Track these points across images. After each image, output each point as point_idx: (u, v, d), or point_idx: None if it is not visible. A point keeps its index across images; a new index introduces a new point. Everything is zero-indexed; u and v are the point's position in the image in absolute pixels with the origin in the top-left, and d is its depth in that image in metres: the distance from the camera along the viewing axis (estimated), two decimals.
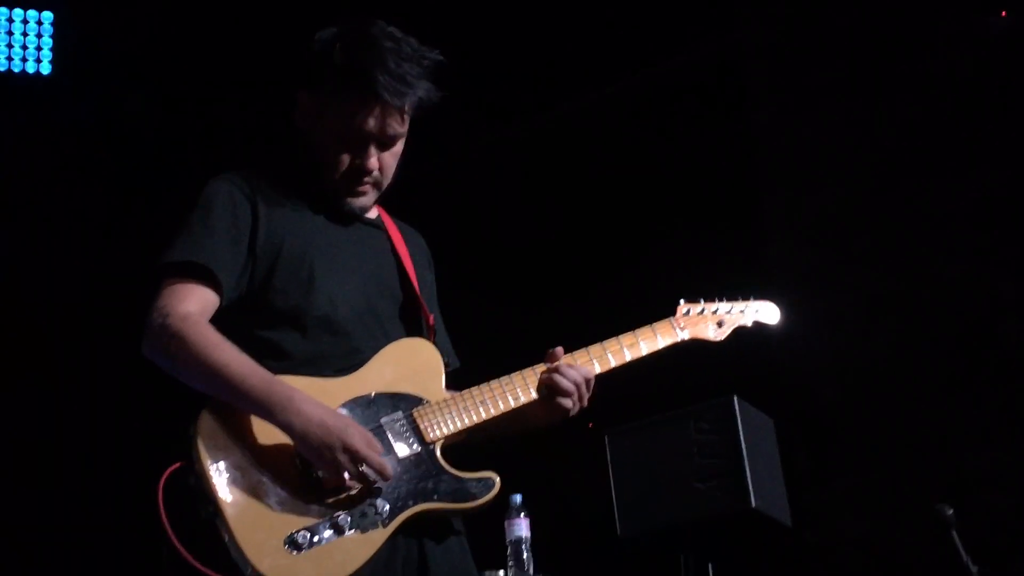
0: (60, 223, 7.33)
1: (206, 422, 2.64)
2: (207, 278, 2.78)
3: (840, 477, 6.38)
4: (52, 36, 6.83)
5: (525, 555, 4.64)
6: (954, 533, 4.11)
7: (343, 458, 2.60)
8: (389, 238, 3.08)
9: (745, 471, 4.62)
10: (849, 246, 6.62)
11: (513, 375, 2.91)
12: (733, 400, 4.73)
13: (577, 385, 2.90)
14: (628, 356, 3.02)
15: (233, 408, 2.66)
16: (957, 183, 6.36)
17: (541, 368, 2.93)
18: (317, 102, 2.94)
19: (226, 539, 2.54)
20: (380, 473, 2.62)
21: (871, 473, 6.33)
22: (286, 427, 2.61)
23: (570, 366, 2.92)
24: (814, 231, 6.75)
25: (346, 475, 2.60)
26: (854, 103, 6.74)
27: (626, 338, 3.03)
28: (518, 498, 4.52)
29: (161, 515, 2.54)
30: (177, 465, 2.61)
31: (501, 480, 2.80)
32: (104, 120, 7.27)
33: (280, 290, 2.83)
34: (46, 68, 6.82)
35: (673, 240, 6.97)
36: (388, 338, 2.89)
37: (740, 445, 4.66)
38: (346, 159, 2.93)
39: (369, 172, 2.95)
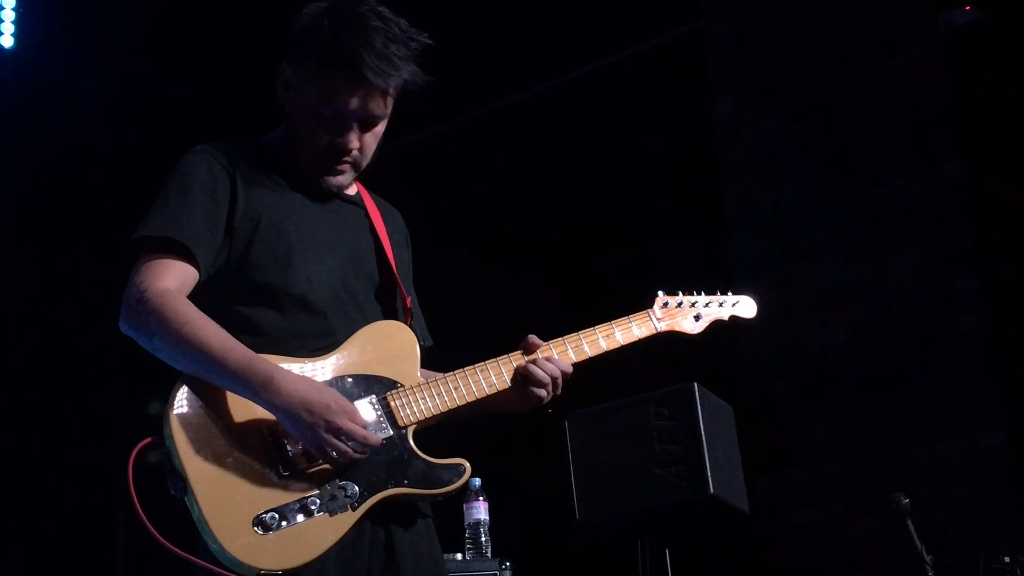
0: (22, 196, 7.27)
1: (179, 397, 2.61)
2: (184, 254, 2.73)
3: (796, 465, 6.42)
4: (14, 9, 6.76)
5: (483, 538, 4.66)
6: (909, 522, 4.14)
7: (327, 436, 2.57)
8: (368, 216, 3.02)
9: (704, 458, 4.62)
10: (807, 238, 6.67)
11: (488, 362, 2.87)
12: (693, 387, 4.72)
13: (553, 378, 2.88)
14: (604, 346, 2.99)
15: (207, 385, 2.63)
16: (914, 176, 6.43)
17: (517, 356, 2.90)
18: (299, 77, 2.89)
19: (196, 517, 2.52)
20: (365, 443, 2.60)
21: (827, 462, 6.38)
22: (268, 405, 2.59)
23: (548, 359, 2.89)
24: (772, 222, 6.79)
25: (331, 452, 2.58)
26: (813, 96, 6.77)
27: (603, 328, 3.00)
28: (477, 481, 4.52)
29: (130, 490, 2.53)
30: (148, 440, 2.59)
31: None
32: (65, 95, 7.21)
33: (257, 266, 2.79)
34: (8, 42, 6.76)
35: (636, 228, 6.99)
36: (364, 319, 2.85)
37: (700, 432, 4.65)
38: (325, 137, 2.88)
39: (348, 151, 2.89)
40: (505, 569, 4.58)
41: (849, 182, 6.61)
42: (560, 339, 2.95)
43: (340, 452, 2.58)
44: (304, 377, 2.64)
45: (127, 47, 7.28)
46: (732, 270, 6.84)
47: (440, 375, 2.86)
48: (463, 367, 2.88)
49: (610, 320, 3.05)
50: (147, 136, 7.65)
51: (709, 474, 4.60)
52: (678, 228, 7.03)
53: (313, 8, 2.90)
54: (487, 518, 4.60)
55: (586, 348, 2.95)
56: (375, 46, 2.80)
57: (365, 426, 2.65)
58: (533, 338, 2.93)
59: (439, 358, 3.01)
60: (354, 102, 2.84)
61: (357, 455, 2.60)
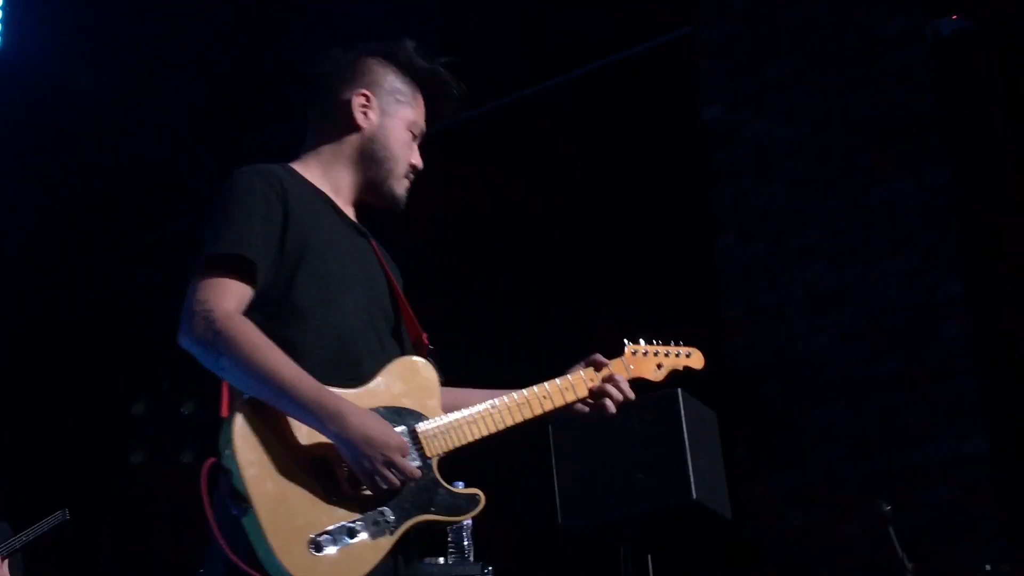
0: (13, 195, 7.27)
1: (241, 419, 2.70)
2: (247, 273, 2.81)
3: (782, 469, 6.42)
4: (2, 8, 6.75)
5: (466, 543, 4.69)
6: (891, 529, 4.15)
7: (382, 468, 2.71)
8: (373, 249, 3.15)
9: (687, 463, 4.65)
10: (796, 240, 6.68)
11: (507, 396, 3.03)
12: (677, 393, 4.74)
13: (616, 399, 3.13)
14: (583, 392, 3.16)
15: (265, 408, 2.73)
16: (903, 181, 6.44)
17: (536, 391, 3.06)
18: (386, 100, 3.13)
19: (252, 536, 2.63)
20: (410, 477, 2.75)
21: (813, 466, 6.38)
22: (333, 435, 2.71)
23: (615, 381, 3.12)
24: (762, 225, 6.80)
25: (381, 483, 2.72)
26: (804, 99, 6.78)
27: (587, 373, 3.16)
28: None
29: (207, 506, 2.64)
30: (212, 460, 2.68)
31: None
32: (54, 95, 7.21)
33: (302, 292, 2.88)
34: None
35: (624, 233, 7.00)
36: (384, 352, 2.96)
37: (683, 437, 4.68)
38: (409, 153, 3.14)
39: (418, 168, 3.17)
40: (487, 573, 4.61)
41: (839, 185, 6.62)
42: (554, 381, 3.11)
43: (389, 483, 2.72)
44: (366, 411, 2.77)
45: (117, 45, 7.26)
46: (721, 272, 6.84)
47: (461, 411, 2.96)
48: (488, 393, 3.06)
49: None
50: (138, 134, 7.65)
51: (692, 480, 4.63)
52: (667, 230, 7.04)
53: (371, 46, 3.19)
54: (470, 522, 4.62)
55: (575, 392, 3.13)
56: (453, 79, 3.19)
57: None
58: (599, 357, 3.17)
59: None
60: (422, 122, 3.19)
61: (400, 487, 2.75)
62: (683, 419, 4.70)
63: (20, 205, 7.43)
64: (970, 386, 6.12)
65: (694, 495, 4.63)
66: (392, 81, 3.14)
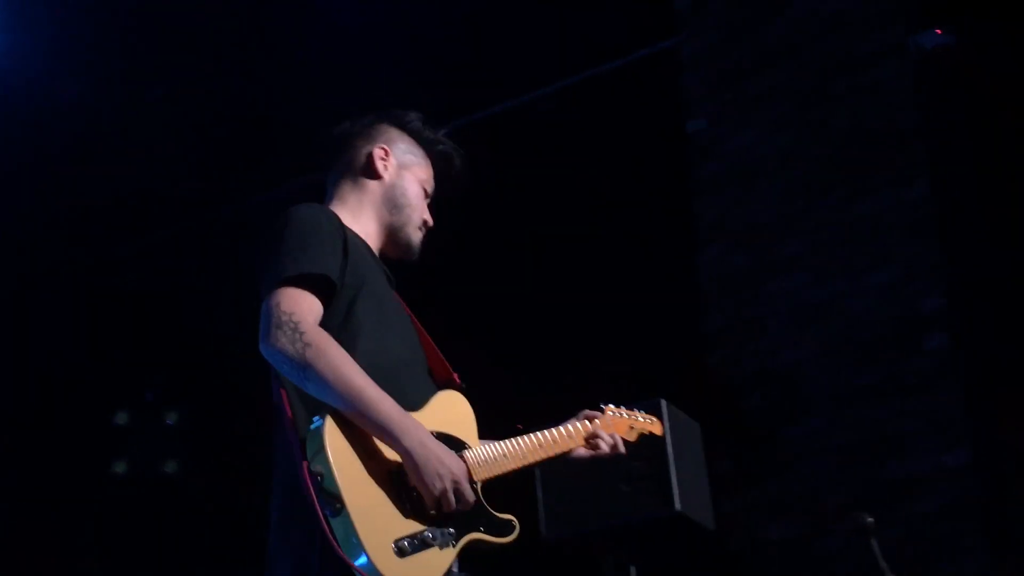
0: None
1: (331, 427, 2.91)
2: (325, 292, 3.04)
3: (765, 482, 6.43)
4: None
5: None
6: (873, 542, 4.17)
7: (447, 490, 2.95)
8: (399, 299, 3.41)
9: (670, 474, 4.69)
10: (779, 253, 6.71)
11: (549, 431, 3.41)
12: (661, 403, 4.76)
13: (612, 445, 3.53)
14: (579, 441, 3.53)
15: (346, 419, 2.94)
16: (886, 194, 6.47)
17: (552, 434, 3.41)
18: (403, 159, 3.46)
19: (342, 536, 2.82)
20: (465, 503, 3.00)
21: (795, 479, 6.39)
22: (409, 453, 2.94)
23: (611, 433, 3.53)
24: (745, 237, 6.82)
25: (442, 503, 2.96)
26: (787, 112, 6.81)
27: (583, 424, 3.53)
28: None
29: (316, 506, 2.81)
30: (307, 463, 2.87)
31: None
32: (39, 105, 7.20)
33: (361, 319, 3.11)
34: None
35: (608, 244, 7.02)
36: (427, 386, 3.24)
37: (667, 449, 4.71)
38: (423, 206, 3.46)
39: (429, 224, 3.48)
40: None
41: (821, 199, 6.64)
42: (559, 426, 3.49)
43: (447, 504, 2.97)
44: (435, 436, 3.02)
45: (104, 50, 7.23)
46: (703, 284, 6.86)
47: (503, 441, 3.28)
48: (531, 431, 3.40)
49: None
50: (123, 139, 7.63)
51: (675, 491, 4.67)
52: (651, 242, 7.05)
53: (382, 114, 3.54)
54: None
55: (577, 439, 3.51)
56: (453, 146, 3.56)
57: None
58: (590, 412, 3.58)
59: None
60: (432, 182, 3.52)
61: (457, 508, 3.01)
62: (667, 430, 4.70)
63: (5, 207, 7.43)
64: (952, 399, 6.12)
65: (677, 506, 4.66)
66: (404, 143, 3.48)
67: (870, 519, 4.24)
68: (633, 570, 4.87)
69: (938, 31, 6.40)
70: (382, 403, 2.93)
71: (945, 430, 6.09)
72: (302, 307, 2.97)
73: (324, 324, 3.01)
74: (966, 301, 6.34)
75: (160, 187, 8.02)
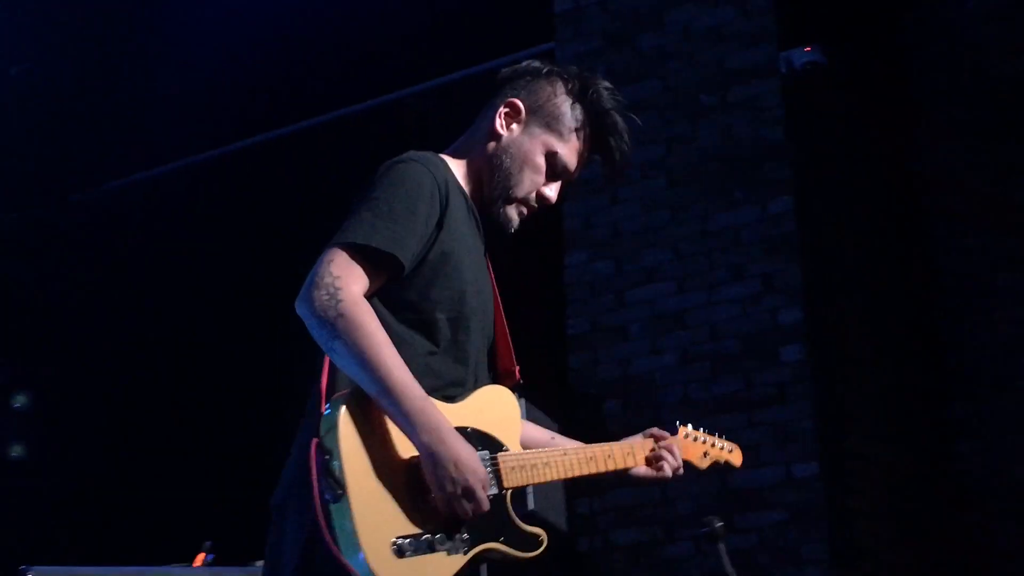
0: None
1: (350, 405, 2.70)
2: (391, 271, 2.80)
3: (618, 486, 6.40)
4: None
5: None
6: (721, 545, 4.21)
7: (459, 494, 2.69)
8: (489, 267, 3.13)
9: None
10: (643, 261, 6.77)
11: (575, 445, 3.16)
12: (520, 403, 4.72)
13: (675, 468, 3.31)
14: (640, 460, 3.32)
15: (370, 401, 2.71)
16: (748, 207, 6.56)
17: (602, 448, 3.17)
18: (540, 123, 3.05)
19: (338, 524, 2.62)
20: (478, 510, 2.73)
21: (648, 486, 6.40)
22: (424, 448, 2.69)
23: (672, 451, 3.30)
24: (610, 245, 6.87)
25: (452, 507, 2.71)
26: (657, 122, 6.86)
27: (647, 442, 3.32)
28: None
29: (315, 486, 2.62)
30: (317, 440, 2.66)
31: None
32: None
33: (434, 302, 2.87)
34: None
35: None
36: (477, 378, 2.97)
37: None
38: (540, 181, 3.05)
39: (547, 205, 3.09)
40: None
41: (686, 210, 6.71)
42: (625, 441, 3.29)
43: (459, 510, 2.70)
44: (461, 436, 2.75)
45: (50, 31, 7.23)
46: (569, 289, 6.89)
47: (541, 449, 3.03)
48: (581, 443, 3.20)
49: None
50: (69, 119, 7.56)
51: (530, 490, 4.64)
52: (518, 245, 7.09)
53: (571, 70, 3.13)
54: None
55: (635, 458, 3.28)
56: (622, 137, 3.09)
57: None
58: (659, 431, 3.36)
59: None
60: (577, 168, 3.09)
61: (468, 516, 2.74)
62: None
63: None
64: (804, 411, 6.23)
65: (530, 506, 4.64)
66: (557, 106, 3.06)
67: (719, 523, 4.29)
68: (484, 568, 4.85)
69: (807, 49, 6.49)
70: (408, 390, 2.68)
71: (796, 441, 6.19)
72: (352, 274, 2.73)
73: (392, 293, 2.83)
74: (822, 315, 6.44)
75: (6, 169, 7.83)
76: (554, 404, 5.18)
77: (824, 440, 6.22)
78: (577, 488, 5.94)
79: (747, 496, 6.20)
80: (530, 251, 6.97)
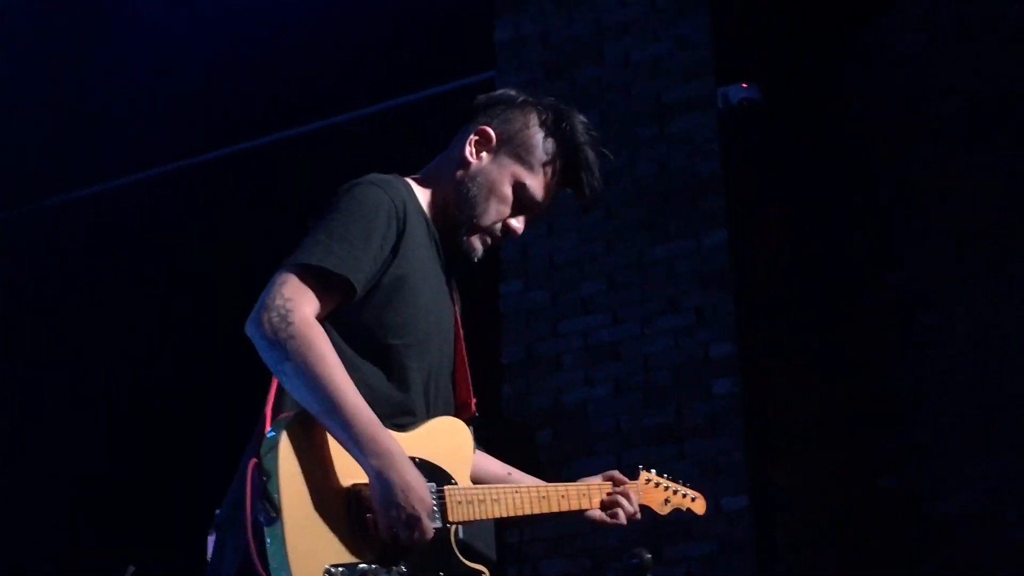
0: None
1: (293, 429, 2.64)
2: (344, 294, 2.75)
3: (546, 518, 6.39)
4: None
5: None
6: None
7: (405, 523, 2.63)
8: (453, 296, 3.08)
9: None
10: (578, 292, 6.77)
11: (529, 482, 3.13)
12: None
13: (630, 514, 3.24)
14: (595, 503, 3.26)
15: (316, 424, 2.66)
16: (684, 241, 6.59)
17: (557, 488, 3.11)
18: (509, 152, 3.01)
19: (272, 548, 2.56)
20: (421, 540, 2.67)
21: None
22: (373, 472, 2.63)
23: (629, 497, 3.23)
24: (546, 275, 6.87)
25: (396, 536, 2.65)
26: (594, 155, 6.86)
27: (604, 485, 3.25)
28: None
29: (248, 507, 2.58)
30: (256, 461, 2.61)
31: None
32: None
33: (387, 326, 2.83)
34: None
35: None
36: (432, 407, 2.91)
37: None
38: (503, 211, 3.00)
39: (512, 235, 3.05)
40: None
41: (621, 241, 6.72)
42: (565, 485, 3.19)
43: (403, 540, 2.65)
44: (411, 461, 2.69)
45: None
46: (504, 318, 6.88)
47: (491, 485, 2.97)
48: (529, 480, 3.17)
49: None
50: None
51: None
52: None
53: (543, 100, 3.08)
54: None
55: (590, 500, 3.22)
56: (592, 172, 3.06)
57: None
58: (618, 474, 3.26)
59: None
60: (548, 204, 3.07)
61: (410, 545, 2.68)
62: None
63: None
64: (734, 443, 6.24)
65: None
66: (529, 137, 3.02)
67: (648, 555, 4.29)
68: None
69: (744, 86, 6.53)
70: (360, 413, 2.63)
71: (725, 474, 6.20)
72: (304, 296, 2.68)
73: (343, 317, 2.77)
74: (754, 349, 6.48)
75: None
76: (485, 433, 5.16)
77: (753, 473, 6.24)
78: (506, 518, 5.91)
79: (676, 528, 6.14)
80: (466, 279, 7.00)
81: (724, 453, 6.25)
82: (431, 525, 2.67)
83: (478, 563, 2.85)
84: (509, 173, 3.00)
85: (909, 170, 6.90)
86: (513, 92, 3.10)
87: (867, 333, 6.85)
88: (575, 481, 3.21)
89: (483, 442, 4.89)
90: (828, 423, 6.75)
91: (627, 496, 3.22)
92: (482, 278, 6.83)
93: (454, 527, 2.80)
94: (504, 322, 6.87)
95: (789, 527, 6.38)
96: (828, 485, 6.61)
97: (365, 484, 2.66)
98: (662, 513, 3.40)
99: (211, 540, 4.33)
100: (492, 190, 2.99)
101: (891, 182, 6.95)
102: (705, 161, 6.63)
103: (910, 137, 6.97)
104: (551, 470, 6.47)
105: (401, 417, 2.81)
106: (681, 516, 3.48)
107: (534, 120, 3.03)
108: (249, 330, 2.70)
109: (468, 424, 3.01)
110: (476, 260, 3.03)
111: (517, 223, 3.04)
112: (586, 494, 3.17)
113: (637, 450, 6.37)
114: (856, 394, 6.78)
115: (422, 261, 2.91)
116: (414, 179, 3.02)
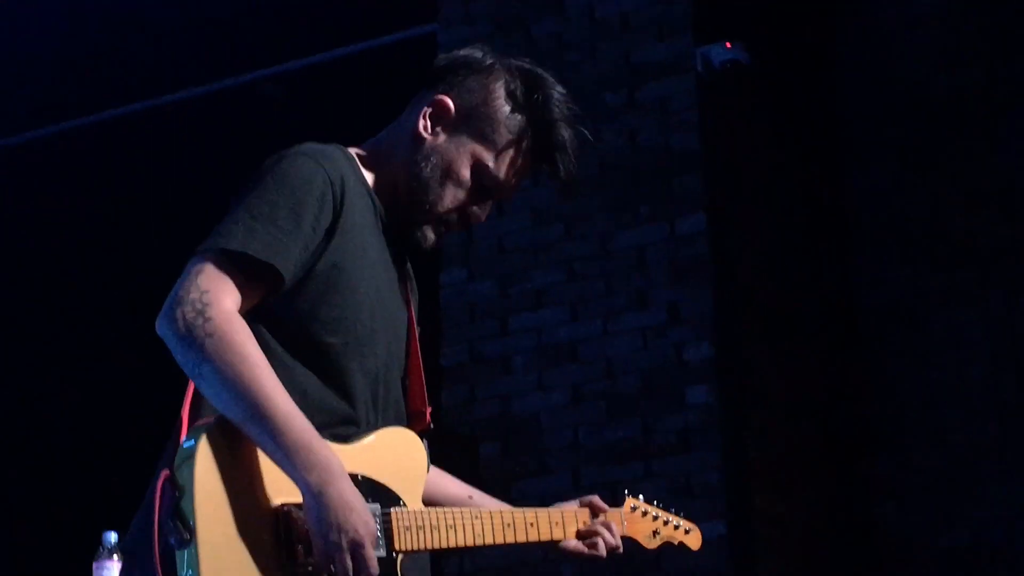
0: None
1: (212, 439, 2.45)
2: (269, 285, 2.56)
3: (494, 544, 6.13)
4: None
5: None
6: None
7: (343, 549, 2.45)
8: (406, 281, 2.88)
9: None
10: (531, 283, 6.55)
11: (493, 506, 2.96)
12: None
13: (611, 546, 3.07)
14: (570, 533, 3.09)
15: (239, 434, 2.48)
16: (656, 226, 6.34)
17: (524, 515, 2.92)
18: (468, 126, 2.77)
19: (182, 572, 2.39)
20: (363, 571, 2.47)
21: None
22: (309, 489, 2.45)
23: (610, 528, 3.04)
24: (493, 262, 6.64)
25: (333, 564, 2.47)
26: None
27: (581, 513, 3.06)
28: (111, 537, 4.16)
29: (155, 524, 2.41)
30: (168, 473, 2.44)
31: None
32: None
33: (322, 321, 2.63)
34: None
35: None
36: (380, 415, 2.72)
37: None
38: (460, 196, 2.77)
39: (473, 222, 2.84)
40: None
41: (583, 225, 6.47)
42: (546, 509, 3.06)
43: (339, 567, 2.46)
44: (357, 481, 2.55)
45: None
46: (445, 313, 6.65)
47: (445, 509, 2.80)
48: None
49: None
50: None
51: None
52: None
53: (514, 64, 2.84)
54: None
55: (564, 529, 3.05)
56: (568, 154, 2.80)
57: None
58: (598, 500, 3.10)
59: None
60: (515, 188, 2.85)
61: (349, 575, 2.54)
62: None
63: None
64: (710, 462, 6.08)
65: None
66: (494, 111, 2.78)
67: None
68: None
69: (728, 46, 6.26)
70: (293, 421, 2.44)
71: (699, 497, 6.03)
72: (223, 287, 2.50)
73: (272, 311, 2.59)
74: (736, 353, 6.29)
75: None
76: (427, 446, 4.74)
77: (732, 496, 6.04)
78: None
79: (642, 560, 5.77)
80: (419, 274, 6.61)
81: (698, 472, 6.05)
82: (374, 560, 2.47)
83: None
84: (469, 153, 2.79)
85: (904, 150, 6.92)
86: (479, 53, 2.86)
87: (866, 333, 6.89)
88: (541, 507, 3.02)
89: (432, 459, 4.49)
90: (819, 441, 6.70)
91: (608, 527, 3.03)
92: (419, 265, 6.39)
93: (400, 557, 2.62)
94: (444, 317, 6.64)
95: (771, 559, 6.20)
96: (817, 511, 6.54)
97: (297, 504, 2.48)
98: (649, 547, 3.20)
99: (106, 567, 4.19)
100: (448, 172, 2.78)
101: (886, 163, 7.02)
102: (681, 133, 6.35)
103: (905, 113, 7.02)
104: (497, 489, 6.05)
105: (341, 427, 2.63)
106: (672, 550, 3.25)
107: (500, 90, 2.81)
108: (160, 328, 2.53)
109: (421, 437, 2.80)
110: (428, 248, 2.86)
111: (479, 210, 2.83)
112: (559, 522, 2.97)
113: (597, 468, 6.25)
114: (850, 406, 6.79)
115: (365, 246, 2.72)
116: (358, 153, 2.82)
